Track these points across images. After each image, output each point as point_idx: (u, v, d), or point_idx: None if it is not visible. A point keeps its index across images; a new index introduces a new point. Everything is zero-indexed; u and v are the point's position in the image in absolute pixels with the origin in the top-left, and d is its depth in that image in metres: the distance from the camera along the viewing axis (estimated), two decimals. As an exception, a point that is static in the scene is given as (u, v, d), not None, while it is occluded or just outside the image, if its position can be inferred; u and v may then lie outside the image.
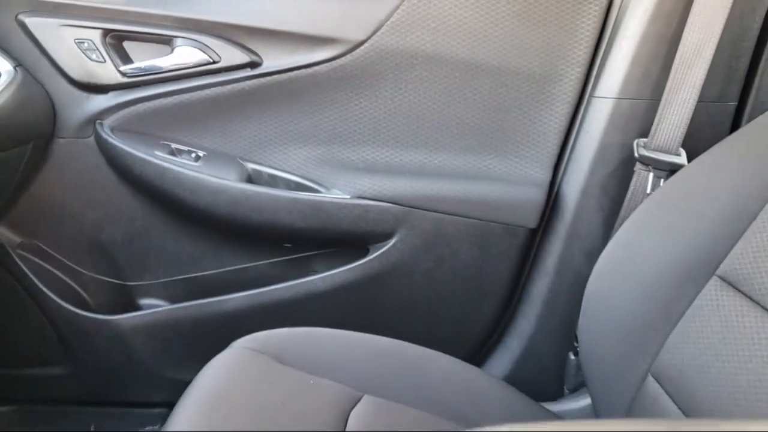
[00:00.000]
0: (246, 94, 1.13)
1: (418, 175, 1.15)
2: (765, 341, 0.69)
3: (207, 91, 1.12)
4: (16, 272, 1.18)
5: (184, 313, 1.21)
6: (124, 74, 1.11)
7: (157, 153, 1.13)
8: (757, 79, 1.04)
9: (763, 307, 0.70)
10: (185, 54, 1.10)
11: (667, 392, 0.78)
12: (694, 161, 0.87)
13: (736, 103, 1.06)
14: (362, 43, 1.08)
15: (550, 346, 1.21)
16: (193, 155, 1.15)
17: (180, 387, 0.85)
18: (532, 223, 1.15)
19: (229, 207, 1.13)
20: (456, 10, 1.06)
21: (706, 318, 0.75)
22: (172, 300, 1.26)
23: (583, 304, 0.94)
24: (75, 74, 1.10)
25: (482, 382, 0.98)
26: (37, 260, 1.20)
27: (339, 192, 1.15)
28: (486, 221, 1.15)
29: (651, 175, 1.01)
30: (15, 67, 1.07)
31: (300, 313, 1.20)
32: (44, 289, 1.19)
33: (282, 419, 0.79)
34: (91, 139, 1.14)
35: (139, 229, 1.22)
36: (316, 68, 1.10)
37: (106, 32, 1.09)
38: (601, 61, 1.07)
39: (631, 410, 0.83)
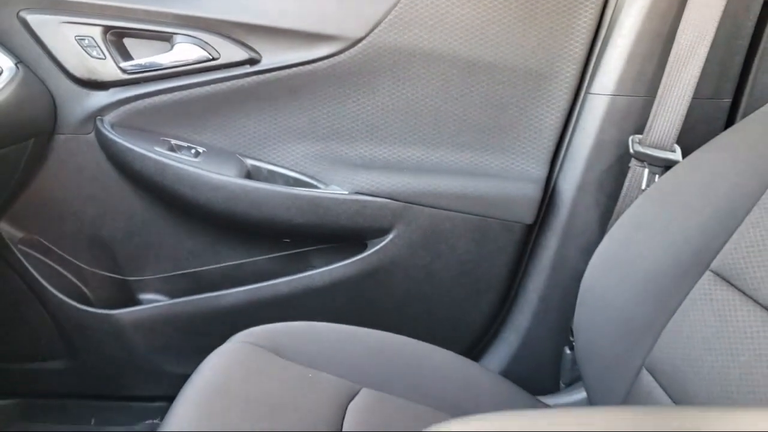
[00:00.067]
0: (245, 91, 1.13)
1: (415, 171, 1.15)
2: (757, 335, 0.69)
3: (206, 88, 1.13)
4: (17, 267, 1.19)
5: (184, 308, 1.22)
6: (124, 71, 1.11)
7: (157, 149, 1.13)
8: (751, 77, 1.05)
9: (755, 301, 0.71)
10: (185, 51, 1.10)
11: (661, 385, 0.79)
12: (689, 157, 0.88)
13: (730, 100, 1.07)
14: (360, 40, 1.09)
15: (547, 341, 1.22)
16: (193, 151, 1.15)
17: (179, 381, 0.85)
18: (529, 218, 1.16)
19: (229, 203, 1.13)
20: (453, 8, 1.07)
21: (700, 312, 0.76)
22: (172, 295, 1.26)
23: (579, 299, 0.94)
24: (76, 71, 1.11)
25: (479, 376, 0.99)
26: (38, 255, 1.21)
27: (337, 188, 1.16)
28: (483, 217, 1.15)
29: (646, 171, 1.02)
30: (16, 64, 1.07)
31: (298, 308, 1.21)
32: (45, 283, 1.19)
33: (281, 412, 0.80)
34: (92, 135, 1.14)
35: (139, 225, 1.22)
36: (314, 65, 1.11)
37: (107, 29, 1.09)
38: (597, 58, 1.08)
39: (625, 403, 0.84)
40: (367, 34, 1.09)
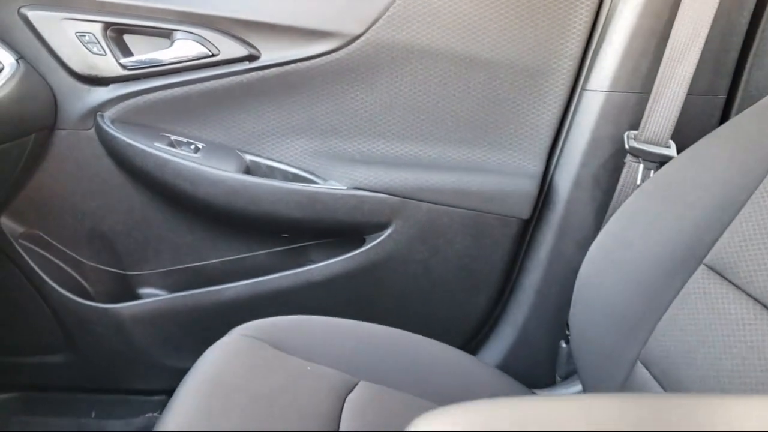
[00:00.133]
0: (244, 87, 1.14)
1: (413, 167, 1.16)
2: (748, 327, 0.70)
3: (206, 84, 1.13)
4: (18, 261, 1.19)
5: (184, 302, 1.22)
6: (124, 67, 1.12)
7: (157, 145, 1.14)
8: (745, 73, 1.06)
9: (748, 294, 0.72)
10: (185, 47, 1.11)
11: (655, 378, 0.80)
12: (683, 153, 0.89)
13: (725, 96, 1.08)
14: (359, 36, 1.09)
15: (543, 335, 1.23)
16: (193, 147, 1.16)
17: (179, 374, 0.86)
18: (525, 214, 1.16)
19: (228, 198, 1.14)
20: (451, 5, 1.07)
21: (694, 305, 0.77)
22: (172, 289, 1.27)
23: (575, 293, 0.95)
24: (76, 67, 1.11)
25: (476, 369, 1.00)
26: (38, 250, 1.21)
27: (335, 183, 1.16)
28: (480, 212, 1.16)
29: (641, 166, 1.03)
30: (17, 60, 1.08)
31: (297, 302, 1.21)
32: (46, 278, 1.20)
33: (279, 404, 0.80)
34: (92, 130, 1.15)
35: (139, 220, 1.23)
36: (313, 61, 1.11)
37: (107, 25, 1.10)
38: (593, 55, 1.09)
39: (620, 396, 0.85)
40: (365, 31, 1.09)
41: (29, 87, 1.08)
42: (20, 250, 1.19)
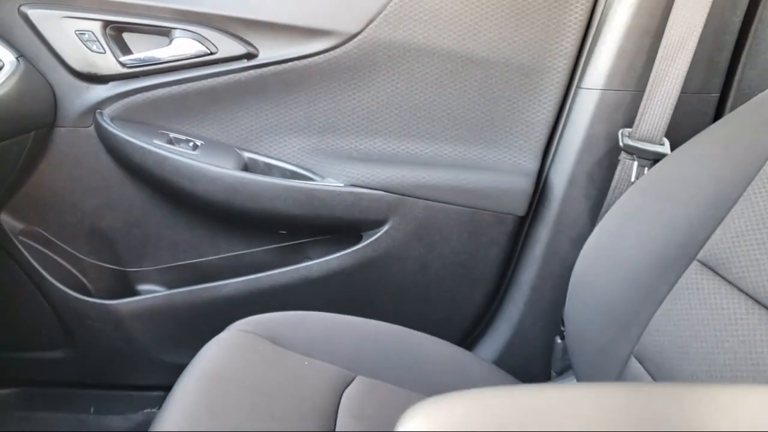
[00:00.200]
0: (242, 85, 1.14)
1: (410, 164, 1.17)
2: (740, 322, 0.71)
3: (204, 82, 1.14)
4: (18, 258, 1.19)
5: (182, 298, 1.22)
6: (123, 65, 1.12)
7: (156, 142, 1.14)
8: (738, 72, 1.07)
9: (740, 289, 0.73)
10: (183, 45, 1.11)
11: (649, 372, 0.81)
12: (677, 150, 0.89)
13: (718, 94, 1.08)
14: (356, 35, 1.10)
15: (538, 331, 1.23)
16: (191, 144, 1.16)
17: (177, 370, 0.86)
18: (521, 210, 1.17)
19: (227, 194, 1.14)
20: (447, 3, 1.08)
21: (687, 301, 0.78)
22: (170, 285, 1.27)
23: (570, 289, 0.96)
24: (76, 65, 1.12)
25: (472, 364, 1.00)
26: (38, 246, 1.22)
27: (333, 180, 1.17)
28: (476, 209, 1.16)
29: (635, 164, 1.03)
30: (17, 58, 1.08)
31: (295, 299, 1.22)
32: (45, 274, 1.20)
33: (277, 398, 0.81)
34: (92, 128, 1.15)
35: (138, 217, 1.23)
36: (311, 59, 1.12)
37: (107, 24, 1.10)
38: (588, 53, 1.09)
39: (614, 390, 0.85)
40: (363, 30, 1.10)
41: (29, 85, 1.09)
42: (20, 246, 1.19)
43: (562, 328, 1.16)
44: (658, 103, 1.01)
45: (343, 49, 1.11)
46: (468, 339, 1.32)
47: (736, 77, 1.07)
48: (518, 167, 1.17)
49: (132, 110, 1.15)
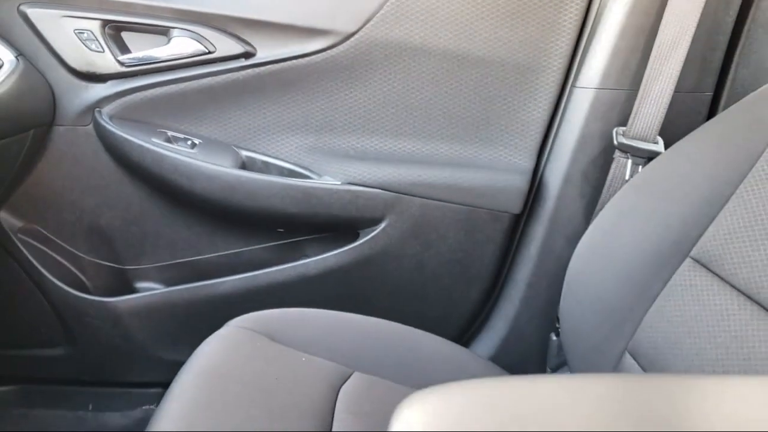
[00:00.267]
0: (240, 84, 1.14)
1: (406, 163, 1.17)
2: (732, 317, 0.72)
3: (202, 81, 1.14)
4: (17, 256, 1.20)
5: (180, 296, 1.23)
6: (122, 64, 1.13)
7: (155, 140, 1.14)
8: (731, 71, 1.07)
9: (732, 285, 0.74)
10: (181, 44, 1.12)
11: (642, 368, 0.81)
12: (670, 149, 0.90)
13: (711, 93, 1.09)
14: (353, 34, 1.10)
15: (534, 328, 1.24)
16: (189, 143, 1.17)
17: (176, 367, 0.87)
18: (516, 209, 1.17)
19: (224, 193, 1.14)
20: (443, 3, 1.08)
21: (680, 297, 0.79)
22: (169, 283, 1.27)
23: (564, 286, 0.97)
24: (75, 64, 1.12)
25: (469, 361, 1.01)
26: (37, 244, 1.22)
27: (330, 178, 1.17)
28: (472, 207, 1.17)
29: (629, 162, 1.04)
30: (16, 57, 1.09)
31: (292, 296, 1.22)
32: (44, 272, 1.20)
33: (275, 394, 0.81)
34: (90, 126, 1.16)
35: (136, 215, 1.23)
36: (308, 59, 1.12)
37: (105, 23, 1.11)
38: (583, 53, 1.10)
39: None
40: (360, 29, 1.10)
41: (28, 83, 1.09)
42: (19, 244, 1.19)
43: (557, 325, 1.16)
44: (652, 101, 1.01)
45: (340, 48, 1.11)
46: (464, 336, 1.33)
47: (729, 76, 1.08)
48: (514, 165, 1.18)
49: (130, 109, 1.16)
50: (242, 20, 1.11)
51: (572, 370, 0.97)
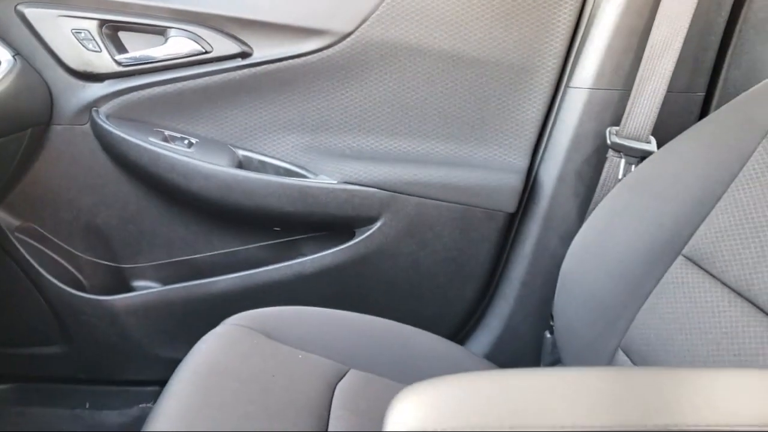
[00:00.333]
0: (237, 84, 1.15)
1: (402, 162, 1.17)
2: (723, 314, 0.73)
3: (199, 80, 1.14)
4: (14, 254, 1.20)
5: (177, 294, 1.23)
6: (119, 63, 1.13)
7: (151, 139, 1.15)
8: (723, 71, 1.08)
9: (723, 283, 0.75)
10: (178, 44, 1.12)
11: (635, 364, 0.82)
12: (663, 148, 0.91)
13: (703, 93, 1.10)
14: (349, 34, 1.11)
15: (528, 326, 1.25)
16: (186, 142, 1.17)
17: (172, 365, 0.87)
18: (511, 207, 1.18)
19: (221, 191, 1.15)
20: (438, 3, 1.09)
21: (672, 295, 0.80)
22: (166, 281, 1.27)
23: (558, 284, 0.97)
24: (72, 63, 1.12)
25: (464, 359, 1.01)
26: (34, 243, 1.22)
27: (326, 177, 1.17)
28: (467, 206, 1.17)
29: (623, 161, 1.05)
30: (14, 56, 1.09)
31: (289, 294, 1.22)
32: (41, 270, 1.20)
33: (272, 391, 0.81)
34: (87, 126, 1.16)
35: (133, 213, 1.24)
36: (304, 59, 1.12)
37: (103, 23, 1.11)
38: (576, 53, 1.10)
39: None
40: (356, 29, 1.10)
41: (25, 83, 1.09)
42: (16, 243, 1.19)
43: (551, 323, 1.16)
44: (645, 101, 1.02)
45: (336, 48, 1.11)
46: (459, 334, 1.33)
47: (721, 77, 1.09)
48: (508, 165, 1.18)
49: (127, 108, 1.16)
50: (239, 20, 1.11)
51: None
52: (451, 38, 1.11)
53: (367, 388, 0.88)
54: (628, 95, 1.04)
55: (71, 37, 1.11)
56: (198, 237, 1.27)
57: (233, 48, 1.13)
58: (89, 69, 1.13)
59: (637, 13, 1.03)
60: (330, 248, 1.21)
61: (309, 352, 0.91)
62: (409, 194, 1.17)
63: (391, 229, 1.19)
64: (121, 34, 1.14)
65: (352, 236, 1.20)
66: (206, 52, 1.13)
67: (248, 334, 0.90)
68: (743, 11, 1.05)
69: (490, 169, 1.18)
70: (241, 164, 1.19)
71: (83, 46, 1.11)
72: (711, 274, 0.76)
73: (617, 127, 1.06)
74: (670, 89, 1.02)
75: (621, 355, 0.86)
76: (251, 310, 0.97)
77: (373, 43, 1.11)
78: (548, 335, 1.18)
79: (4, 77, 1.05)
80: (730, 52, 1.07)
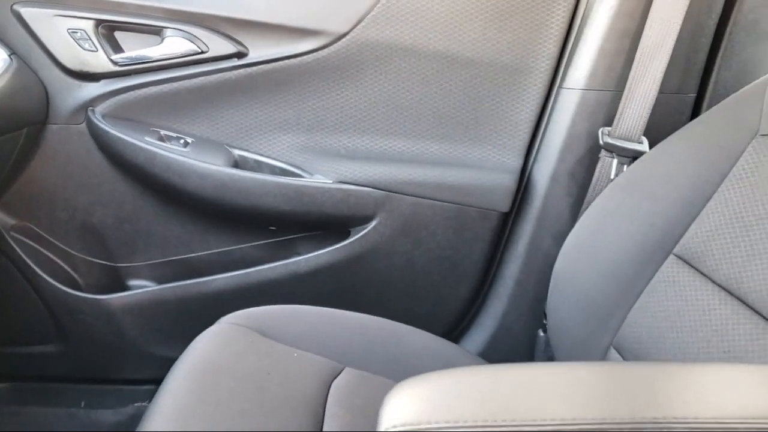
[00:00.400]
0: (233, 84, 1.15)
1: (397, 162, 1.18)
2: (713, 312, 0.74)
3: (195, 80, 1.14)
4: (9, 254, 1.19)
5: (172, 293, 1.23)
6: (115, 63, 1.13)
7: (147, 139, 1.15)
8: (714, 73, 1.09)
9: (713, 281, 0.75)
10: (174, 44, 1.12)
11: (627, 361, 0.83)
12: (654, 148, 0.92)
13: (694, 94, 1.11)
14: (345, 35, 1.11)
15: (522, 324, 1.25)
16: (182, 141, 1.17)
17: (168, 364, 0.87)
18: (505, 207, 1.19)
19: (217, 191, 1.15)
20: (433, 5, 1.09)
21: (664, 293, 0.80)
22: (161, 280, 1.27)
23: (551, 283, 0.98)
24: (68, 63, 1.12)
25: (458, 357, 1.01)
26: (30, 242, 1.22)
27: (322, 177, 1.18)
28: (461, 205, 1.18)
29: (615, 161, 1.05)
30: (10, 56, 1.09)
31: (284, 293, 1.23)
32: (37, 269, 1.20)
33: (268, 389, 0.81)
34: (83, 125, 1.16)
35: (129, 212, 1.24)
36: (300, 59, 1.13)
37: (99, 22, 1.11)
38: (570, 54, 1.11)
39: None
40: (351, 30, 1.11)
41: (21, 82, 1.09)
42: (12, 242, 1.19)
43: (544, 322, 1.17)
44: (637, 102, 1.03)
45: (331, 48, 1.12)
46: (454, 333, 1.34)
47: (712, 78, 1.10)
48: (502, 165, 1.19)
49: (123, 108, 1.16)
50: (235, 20, 1.12)
51: (559, 365, 0.98)
52: (446, 39, 1.11)
53: (361, 385, 0.88)
54: (620, 96, 1.05)
55: (67, 36, 1.11)
56: (194, 236, 1.27)
57: (229, 48, 1.13)
58: (85, 68, 1.13)
59: (629, 15, 1.04)
60: (325, 247, 1.21)
61: (304, 351, 0.91)
62: (403, 194, 1.17)
63: (386, 229, 1.19)
64: (117, 34, 1.14)
65: (347, 235, 1.21)
66: (202, 52, 1.13)
67: (244, 333, 0.91)
68: (733, 14, 1.06)
69: (484, 169, 1.18)
70: (236, 164, 1.19)
71: (79, 45, 1.11)
72: (701, 273, 0.77)
73: (609, 128, 1.07)
74: (662, 90, 1.03)
75: (613, 353, 0.86)
76: (247, 309, 0.98)
77: (368, 43, 1.12)
78: (541, 333, 1.19)
79: (0, 77, 1.05)
80: (720, 54, 1.08)
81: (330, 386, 0.87)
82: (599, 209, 0.95)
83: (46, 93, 1.14)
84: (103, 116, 1.16)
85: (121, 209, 1.24)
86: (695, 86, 1.11)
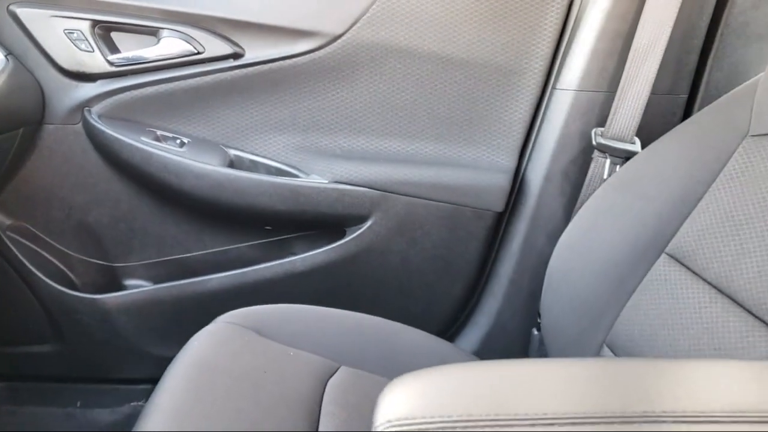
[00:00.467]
0: (229, 84, 1.15)
1: (392, 162, 1.18)
2: (704, 310, 0.75)
3: (191, 81, 1.15)
4: (5, 253, 1.20)
5: (168, 293, 1.23)
6: (111, 63, 1.13)
7: (144, 139, 1.15)
8: (705, 74, 1.10)
9: (704, 279, 0.76)
10: (171, 45, 1.12)
11: (619, 359, 0.84)
12: (647, 149, 0.92)
13: (686, 95, 1.12)
14: (340, 36, 1.12)
15: (516, 323, 1.26)
16: (178, 141, 1.17)
17: (164, 364, 0.87)
18: (499, 206, 1.19)
19: (213, 191, 1.15)
20: (428, 6, 1.10)
21: (656, 291, 0.81)
22: (157, 280, 1.27)
23: (545, 282, 0.99)
24: (64, 63, 1.12)
25: (452, 355, 1.02)
26: (26, 242, 1.22)
27: (317, 177, 1.18)
28: (456, 205, 1.19)
29: (608, 161, 1.06)
30: (6, 56, 1.09)
31: (280, 293, 1.23)
32: (33, 269, 1.20)
33: (264, 388, 0.82)
34: (80, 125, 1.16)
35: (125, 212, 1.24)
36: (296, 60, 1.13)
37: (95, 23, 1.11)
38: (563, 55, 1.12)
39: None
40: (346, 31, 1.11)
41: (18, 82, 1.09)
42: (7, 242, 1.19)
43: (538, 320, 1.17)
44: (629, 103, 1.03)
45: (327, 49, 1.12)
46: (448, 331, 1.34)
47: (704, 79, 1.10)
48: (496, 165, 1.20)
49: (120, 108, 1.16)
50: (231, 21, 1.12)
51: (553, 363, 0.99)
52: (441, 40, 1.12)
53: (357, 384, 0.88)
54: (613, 97, 1.06)
55: (64, 37, 1.11)
56: (190, 236, 1.27)
57: (225, 49, 1.13)
58: (82, 69, 1.13)
59: (622, 17, 1.05)
60: (321, 247, 1.21)
61: (300, 350, 0.91)
62: (398, 193, 1.18)
63: (381, 228, 1.19)
64: (114, 35, 1.15)
65: (342, 235, 1.21)
66: (198, 53, 1.13)
67: (240, 332, 0.91)
68: (725, 15, 1.06)
69: (478, 169, 1.19)
70: (232, 164, 1.19)
71: (76, 46, 1.12)
72: (693, 272, 0.78)
73: (602, 128, 1.08)
74: (654, 91, 1.04)
75: (606, 351, 0.87)
76: (243, 308, 0.98)
77: (363, 44, 1.12)
78: (535, 332, 1.19)
79: (-4, 77, 1.05)
80: (712, 55, 1.09)
81: (326, 385, 0.87)
82: (592, 209, 0.96)
83: (43, 93, 1.14)
84: (100, 116, 1.16)
85: (117, 209, 1.24)
86: (687, 87, 1.12)
